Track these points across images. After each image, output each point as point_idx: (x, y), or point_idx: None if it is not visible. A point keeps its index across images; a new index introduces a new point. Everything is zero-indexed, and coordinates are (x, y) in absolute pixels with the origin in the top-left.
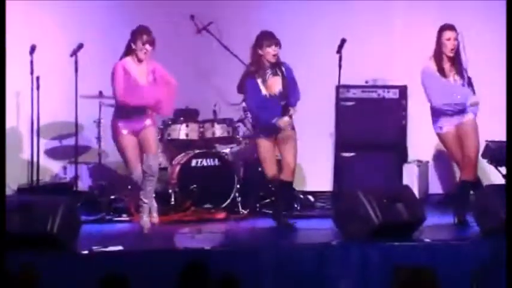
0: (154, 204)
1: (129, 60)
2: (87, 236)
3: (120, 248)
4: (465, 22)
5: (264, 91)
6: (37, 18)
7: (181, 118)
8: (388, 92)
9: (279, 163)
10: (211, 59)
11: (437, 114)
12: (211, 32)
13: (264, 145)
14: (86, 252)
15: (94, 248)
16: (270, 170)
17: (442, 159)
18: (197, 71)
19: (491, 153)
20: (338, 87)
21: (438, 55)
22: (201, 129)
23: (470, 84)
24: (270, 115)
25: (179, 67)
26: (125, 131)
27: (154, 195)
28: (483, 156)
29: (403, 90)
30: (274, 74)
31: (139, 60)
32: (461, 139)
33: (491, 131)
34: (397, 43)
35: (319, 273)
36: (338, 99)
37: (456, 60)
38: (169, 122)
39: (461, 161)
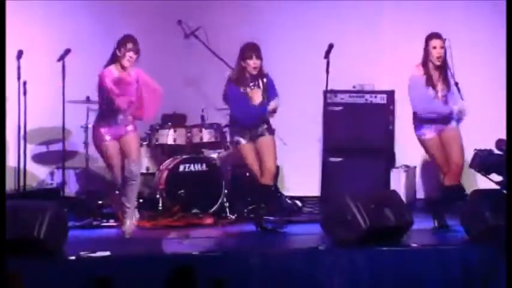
0: (136, 213)
1: (113, 68)
2: (75, 242)
3: (107, 253)
4: (453, 27)
5: (244, 100)
6: (24, 23)
7: (169, 123)
8: (376, 97)
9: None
10: (199, 64)
11: (419, 120)
12: (198, 37)
13: (248, 149)
14: (73, 257)
15: (82, 253)
16: (258, 172)
17: (430, 164)
18: (185, 75)
19: (480, 162)
20: (326, 92)
21: (425, 63)
22: (189, 134)
23: (457, 89)
24: (252, 122)
25: (167, 72)
26: (108, 137)
27: (136, 200)
28: (471, 165)
29: (390, 95)
30: (256, 86)
31: (123, 68)
32: (445, 146)
33: (479, 138)
34: (384, 48)
35: (307, 278)
36: (326, 104)
37: (443, 69)
38: (157, 127)
39: (445, 166)
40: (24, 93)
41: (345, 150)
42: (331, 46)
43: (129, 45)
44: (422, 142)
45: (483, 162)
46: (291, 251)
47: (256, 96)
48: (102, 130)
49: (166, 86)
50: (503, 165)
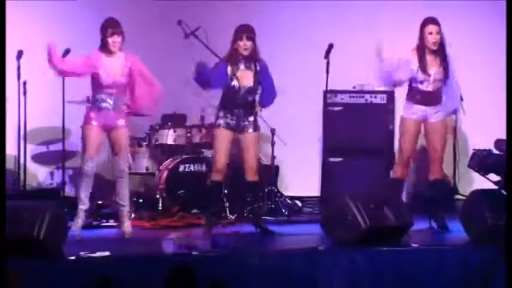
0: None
1: (99, 53)
2: (74, 242)
3: (107, 253)
4: (453, 27)
5: (233, 81)
6: (24, 23)
7: (169, 123)
8: (376, 97)
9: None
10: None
11: (409, 100)
12: (198, 37)
13: (225, 136)
14: (73, 258)
15: (81, 253)
16: (219, 160)
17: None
18: (185, 75)
19: (478, 162)
20: (326, 92)
21: (421, 48)
22: (189, 134)
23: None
24: (232, 105)
25: (167, 72)
26: (94, 122)
27: (136, 200)
28: (470, 165)
29: (390, 95)
30: (247, 67)
31: (110, 52)
32: (428, 136)
33: (479, 138)
34: (385, 48)
35: (307, 278)
36: (326, 105)
37: (440, 53)
38: (157, 127)
39: (405, 154)
40: (24, 93)
41: (344, 150)
42: (331, 46)
43: (110, 30)
44: (401, 121)
45: (482, 162)
46: (291, 251)
47: (246, 79)
48: (92, 115)
49: (166, 86)
50: (502, 165)
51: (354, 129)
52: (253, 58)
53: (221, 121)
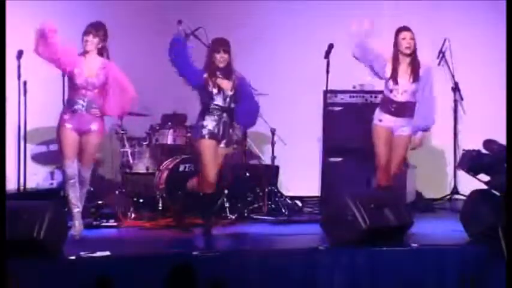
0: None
1: (79, 53)
2: (74, 242)
3: (107, 253)
4: (453, 27)
5: (214, 88)
6: (24, 23)
7: (169, 123)
8: (376, 97)
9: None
10: (200, 64)
11: (380, 108)
12: (198, 37)
13: (206, 147)
14: (73, 258)
15: (81, 253)
16: (210, 174)
17: (431, 163)
18: None
19: (469, 162)
20: (326, 92)
21: (395, 56)
22: (189, 134)
23: (457, 89)
24: (215, 109)
25: (167, 72)
26: (68, 125)
27: (136, 200)
28: (460, 165)
29: None
30: (225, 77)
31: (85, 52)
32: (393, 148)
33: (479, 138)
34: (384, 49)
35: (307, 278)
36: (326, 104)
37: (411, 63)
38: (157, 127)
39: (381, 160)
40: (24, 93)
41: (344, 150)
42: (331, 46)
43: (86, 30)
44: (372, 128)
45: (472, 162)
46: (291, 251)
47: (225, 86)
48: (66, 117)
49: (166, 86)
50: (492, 165)
51: (354, 129)
52: (229, 70)
53: (205, 131)
